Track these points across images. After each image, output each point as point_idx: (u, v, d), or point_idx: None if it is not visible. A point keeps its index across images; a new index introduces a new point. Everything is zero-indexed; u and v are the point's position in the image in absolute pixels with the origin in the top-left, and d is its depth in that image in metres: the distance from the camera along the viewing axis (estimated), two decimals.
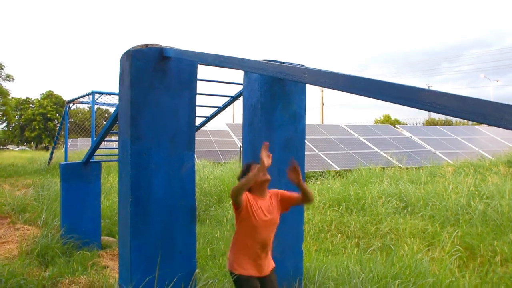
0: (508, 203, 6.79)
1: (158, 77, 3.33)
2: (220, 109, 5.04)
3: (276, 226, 3.12)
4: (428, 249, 5.46)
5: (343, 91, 1.80)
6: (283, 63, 3.48)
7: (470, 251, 5.45)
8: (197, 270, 3.59)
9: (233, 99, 4.76)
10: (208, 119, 5.33)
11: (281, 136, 3.77)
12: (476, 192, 7.74)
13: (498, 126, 1.25)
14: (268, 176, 3.03)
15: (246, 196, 2.97)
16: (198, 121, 5.46)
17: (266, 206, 3.06)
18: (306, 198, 3.11)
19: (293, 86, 3.83)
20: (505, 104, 1.23)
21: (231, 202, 3.11)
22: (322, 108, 37.73)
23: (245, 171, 3.12)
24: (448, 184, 8.47)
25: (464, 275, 4.48)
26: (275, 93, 3.75)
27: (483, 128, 21.20)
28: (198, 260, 4.99)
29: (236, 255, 3.06)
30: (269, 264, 3.12)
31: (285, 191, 3.22)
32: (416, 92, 1.49)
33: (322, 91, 37.39)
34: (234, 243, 3.09)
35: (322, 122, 33.86)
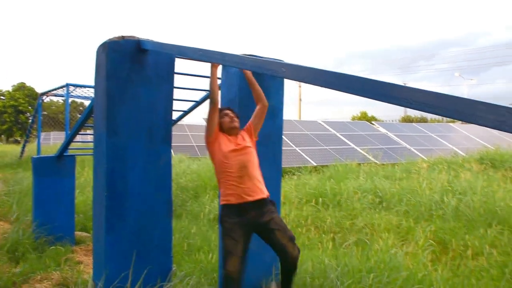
0: (479, 198, 6.96)
1: (135, 70, 3.28)
2: (198, 103, 5.00)
3: (252, 152, 3.28)
4: (402, 244, 5.54)
5: (321, 86, 1.80)
6: (262, 58, 3.47)
7: (443, 245, 5.56)
8: (173, 266, 3.57)
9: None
10: (186, 113, 5.28)
11: (259, 130, 3.75)
12: (450, 188, 7.90)
13: (471, 122, 1.27)
14: (234, 124, 3.34)
15: (217, 130, 3.30)
16: (175, 115, 5.41)
17: (236, 139, 3.31)
18: (255, 93, 3.46)
19: (271, 81, 3.82)
20: (477, 101, 1.25)
21: (205, 134, 3.33)
22: (300, 104, 37.95)
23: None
24: (423, 180, 8.62)
25: (437, 269, 4.57)
26: None
27: (457, 126, 21.64)
28: (174, 255, 4.95)
29: (221, 191, 3.23)
30: (258, 189, 3.16)
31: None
32: (393, 88, 1.50)
33: (300, 87, 37.57)
34: (219, 184, 3.27)
35: (300, 118, 34.02)
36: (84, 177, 10.99)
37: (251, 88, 3.49)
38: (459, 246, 5.39)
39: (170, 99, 3.51)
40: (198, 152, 18.26)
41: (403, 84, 1.54)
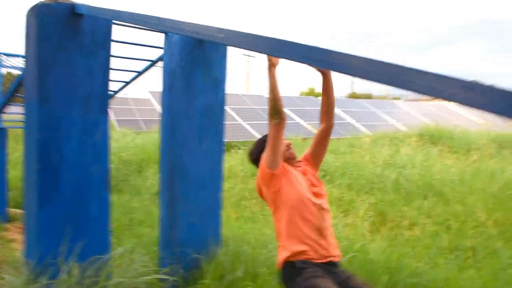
0: (418, 172, 7.25)
1: (69, 35, 3.10)
2: (139, 74, 4.83)
3: (326, 199, 2.52)
4: (344, 215, 5.70)
5: (259, 52, 1.76)
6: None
7: (382, 216, 5.77)
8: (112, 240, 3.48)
9: (153, 63, 4.57)
10: (127, 83, 5.09)
11: (201, 102, 3.68)
12: (391, 162, 8.17)
13: (403, 88, 1.27)
14: (293, 153, 2.62)
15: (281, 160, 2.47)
16: (116, 86, 5.22)
17: (303, 173, 2.56)
18: (326, 104, 2.70)
19: (214, 51, 3.74)
20: (409, 67, 1.24)
21: (266, 158, 2.44)
22: (248, 79, 37.92)
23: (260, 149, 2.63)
24: (365, 155, 8.87)
25: (375, 239, 4.73)
26: (196, 58, 3.64)
27: (400, 103, 22.36)
28: (115, 230, 4.84)
29: (284, 245, 2.37)
30: (334, 248, 2.43)
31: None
32: (328, 53, 1.48)
33: (249, 61, 37.47)
34: (284, 232, 2.38)
35: (248, 92, 34.01)
36: (19, 151, 10.48)
37: (323, 94, 2.70)
38: (397, 217, 5.61)
39: (107, 67, 3.35)
40: (143, 126, 17.86)
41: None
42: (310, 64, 1.54)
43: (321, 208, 2.40)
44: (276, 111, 2.41)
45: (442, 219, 5.45)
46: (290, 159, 2.56)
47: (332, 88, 2.66)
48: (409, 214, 5.61)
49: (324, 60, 1.50)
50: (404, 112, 20.38)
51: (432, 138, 12.20)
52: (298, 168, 2.57)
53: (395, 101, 23.17)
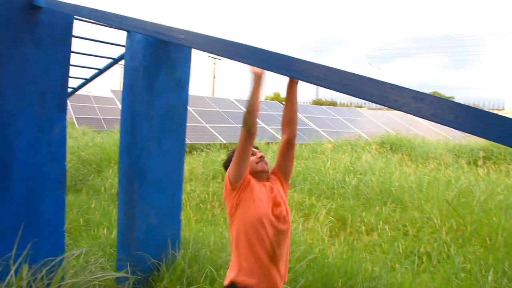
0: (377, 179, 7.39)
1: (25, 29, 2.99)
2: (101, 71, 4.72)
3: (288, 222, 2.32)
4: (304, 220, 5.74)
5: (220, 55, 1.75)
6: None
7: (342, 222, 5.85)
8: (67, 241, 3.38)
9: (115, 61, 4.48)
10: (87, 81, 4.97)
11: (163, 102, 3.63)
12: (351, 168, 8.30)
13: (359, 97, 1.28)
14: (265, 167, 2.43)
15: (247, 173, 2.30)
16: (76, 83, 5.09)
17: (271, 192, 2.35)
18: (288, 111, 2.57)
19: (178, 52, 3.70)
20: (364, 76, 1.26)
21: (231, 170, 2.28)
22: (214, 81, 37.83)
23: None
24: (327, 160, 8.97)
25: (334, 243, 4.79)
26: (159, 57, 3.59)
27: (363, 111, 22.80)
28: (71, 231, 4.73)
29: (236, 264, 2.25)
30: (280, 281, 2.28)
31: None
32: (288, 60, 1.49)
33: (215, 64, 37.36)
34: (236, 254, 2.26)
35: (213, 95, 33.90)
36: None
37: (288, 102, 2.57)
38: (356, 222, 5.70)
39: (66, 64, 3.25)
40: (104, 125, 17.50)
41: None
42: (268, 69, 1.54)
43: (279, 232, 2.23)
44: (246, 122, 2.24)
45: (400, 225, 5.58)
46: (259, 172, 2.39)
47: (296, 96, 2.53)
48: (368, 219, 5.72)
49: (281, 66, 1.50)
50: (367, 120, 20.79)
51: (393, 146, 12.49)
52: (267, 183, 2.40)
53: (359, 109, 23.62)
